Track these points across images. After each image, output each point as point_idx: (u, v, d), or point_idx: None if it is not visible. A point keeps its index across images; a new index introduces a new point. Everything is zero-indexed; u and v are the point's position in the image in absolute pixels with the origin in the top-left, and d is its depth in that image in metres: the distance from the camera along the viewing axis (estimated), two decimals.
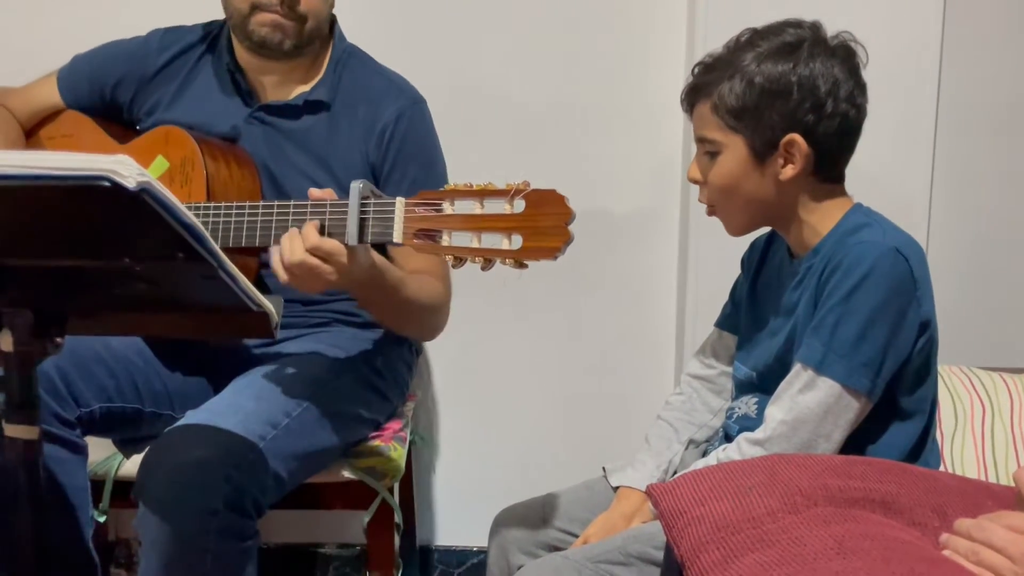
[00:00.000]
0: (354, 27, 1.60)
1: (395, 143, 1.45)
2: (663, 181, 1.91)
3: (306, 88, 1.49)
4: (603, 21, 1.88)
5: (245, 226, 1.28)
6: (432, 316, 1.47)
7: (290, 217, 1.23)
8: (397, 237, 1.15)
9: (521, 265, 1.11)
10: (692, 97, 1.25)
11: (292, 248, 1.17)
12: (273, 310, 1.00)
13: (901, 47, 1.74)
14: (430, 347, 1.83)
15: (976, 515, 0.85)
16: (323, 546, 2.09)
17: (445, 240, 1.12)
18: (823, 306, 1.17)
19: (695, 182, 1.27)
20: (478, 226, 1.10)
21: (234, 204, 1.28)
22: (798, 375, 1.18)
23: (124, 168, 0.68)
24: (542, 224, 1.09)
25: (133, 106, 1.56)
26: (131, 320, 1.03)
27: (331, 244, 1.16)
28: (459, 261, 1.12)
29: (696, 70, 1.25)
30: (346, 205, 1.17)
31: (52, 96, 1.59)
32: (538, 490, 1.47)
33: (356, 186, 1.16)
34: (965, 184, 1.86)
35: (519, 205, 1.10)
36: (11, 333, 0.92)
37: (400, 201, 1.15)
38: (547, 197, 1.09)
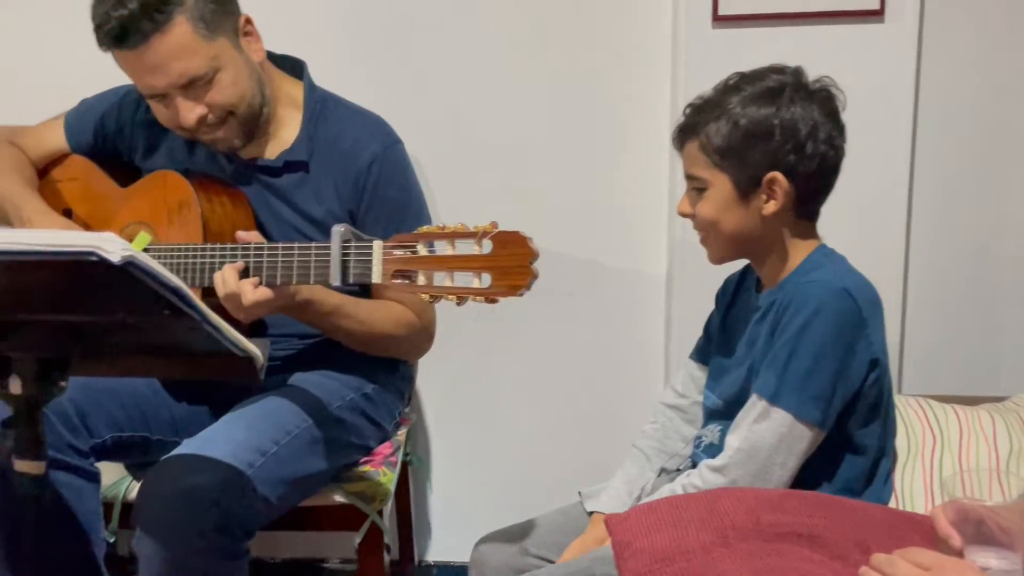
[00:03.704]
0: (329, 65, 1.65)
1: (369, 188, 1.53)
2: (650, 208, 1.97)
3: (284, 146, 1.56)
4: (589, 51, 1.94)
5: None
6: (398, 339, 1.57)
7: (279, 259, 1.32)
8: (376, 278, 1.23)
9: (491, 300, 1.19)
10: (682, 136, 1.33)
11: (224, 283, 1.32)
12: (259, 354, 1.10)
13: (876, 84, 1.81)
14: (425, 371, 1.92)
15: (897, 548, 0.92)
16: (326, 561, 2.18)
17: (421, 279, 1.20)
18: (777, 340, 1.25)
19: (685, 215, 1.35)
20: (450, 266, 1.18)
21: (227, 246, 1.37)
22: (754, 405, 1.25)
23: (109, 244, 0.78)
24: (508, 264, 1.16)
25: (132, 151, 1.65)
26: (128, 364, 1.13)
27: (236, 285, 1.31)
28: (434, 298, 1.21)
29: (687, 111, 1.33)
30: (329, 249, 1.26)
31: (60, 141, 1.68)
32: (531, 507, 1.55)
33: (337, 230, 1.25)
34: (942, 213, 1.91)
35: (487, 246, 1.17)
36: (19, 378, 1.02)
37: (378, 244, 1.23)
38: (512, 239, 1.17)
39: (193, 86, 1.44)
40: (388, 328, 1.53)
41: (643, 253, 2.01)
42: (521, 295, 1.17)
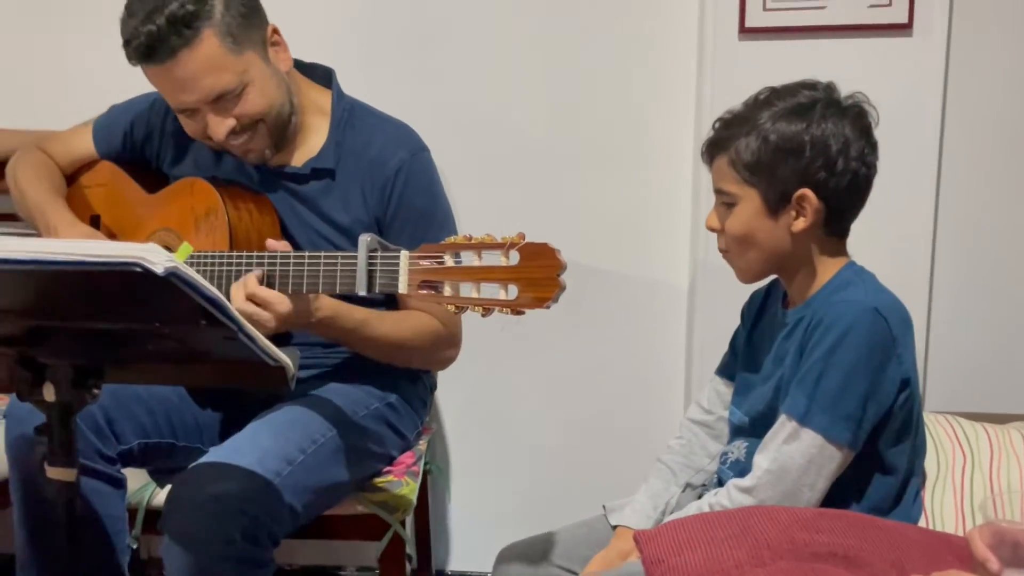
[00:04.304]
0: (350, 72, 1.65)
1: (395, 197, 1.53)
2: (674, 220, 1.97)
3: (311, 154, 1.56)
4: (615, 61, 1.94)
5: (265, 277, 1.37)
6: (423, 350, 1.56)
7: (305, 268, 1.32)
8: (402, 288, 1.23)
9: (517, 312, 1.19)
10: (712, 150, 1.32)
11: (235, 295, 1.30)
12: (290, 363, 1.10)
13: (904, 97, 1.80)
14: (446, 382, 1.91)
15: (933, 569, 0.92)
16: (343, 569, 2.18)
17: (447, 290, 1.20)
18: (807, 359, 1.24)
19: (713, 230, 1.34)
20: (476, 277, 1.18)
21: (254, 254, 1.38)
22: (783, 425, 1.24)
23: (154, 256, 0.78)
24: (535, 276, 1.16)
25: (160, 158, 1.65)
26: (161, 371, 1.13)
27: (266, 293, 1.29)
28: (460, 309, 1.20)
29: (716, 125, 1.32)
30: (355, 258, 1.26)
31: (89, 147, 1.69)
32: (548, 518, 1.54)
33: (364, 239, 1.25)
34: (968, 228, 1.90)
35: (514, 257, 1.17)
36: (53, 385, 1.02)
37: (404, 254, 1.23)
38: (540, 250, 1.16)
39: (222, 100, 1.44)
40: (414, 339, 1.53)
41: (666, 265, 2.00)
42: (548, 307, 1.17)
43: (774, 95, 1.29)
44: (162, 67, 1.40)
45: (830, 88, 1.29)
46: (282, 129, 1.52)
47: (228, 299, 1.32)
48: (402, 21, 1.97)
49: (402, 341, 1.52)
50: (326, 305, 1.39)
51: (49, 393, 1.03)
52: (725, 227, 1.31)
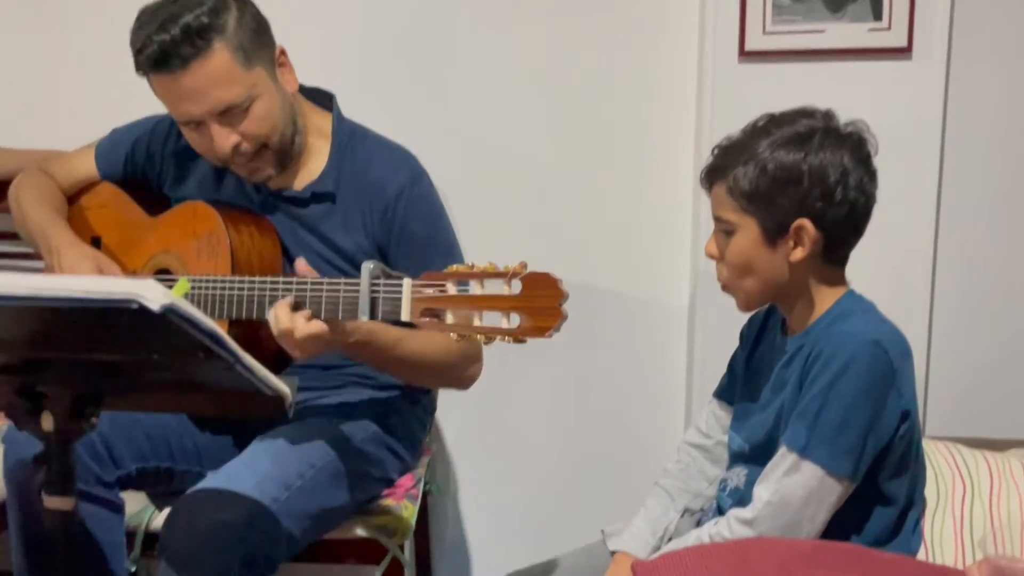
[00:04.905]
0: (358, 96, 1.66)
1: (396, 222, 1.53)
2: (674, 240, 1.98)
3: (311, 177, 1.56)
4: (615, 83, 1.95)
5: (267, 299, 1.37)
6: (450, 368, 1.53)
7: (307, 293, 1.32)
8: (405, 316, 1.23)
9: (519, 341, 1.19)
10: (710, 178, 1.32)
11: (280, 316, 1.28)
12: (288, 392, 1.10)
13: (903, 121, 1.80)
14: (446, 402, 1.91)
15: None
16: None
17: (449, 318, 1.20)
18: (807, 391, 1.23)
19: (712, 257, 1.34)
20: (479, 306, 1.18)
21: (256, 279, 1.38)
22: (784, 457, 1.24)
23: (150, 292, 0.78)
24: (537, 305, 1.16)
25: (161, 180, 1.66)
26: (159, 400, 1.13)
27: (304, 319, 1.27)
28: (462, 337, 1.20)
29: (715, 152, 1.32)
30: (358, 284, 1.26)
31: (91, 169, 1.69)
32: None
33: (367, 267, 1.25)
34: (969, 252, 1.90)
35: (516, 286, 1.17)
36: (51, 415, 1.02)
37: (407, 282, 1.23)
38: (542, 280, 1.16)
39: (229, 114, 1.44)
40: (445, 356, 1.50)
41: (666, 285, 2.01)
42: (550, 336, 1.17)
43: (772, 123, 1.29)
44: (172, 76, 1.41)
45: (829, 116, 1.28)
46: (286, 151, 1.52)
47: (252, 320, 1.34)
48: (402, 45, 1.98)
49: (433, 359, 1.49)
50: (363, 327, 1.36)
51: (47, 423, 1.02)
52: (724, 255, 1.31)
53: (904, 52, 1.80)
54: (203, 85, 1.41)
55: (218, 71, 1.41)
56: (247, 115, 1.45)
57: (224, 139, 1.45)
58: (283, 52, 1.52)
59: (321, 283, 1.31)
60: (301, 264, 1.35)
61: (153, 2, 1.43)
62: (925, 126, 1.82)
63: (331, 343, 1.31)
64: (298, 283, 1.34)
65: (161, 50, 1.39)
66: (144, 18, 1.42)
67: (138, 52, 1.41)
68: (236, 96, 1.43)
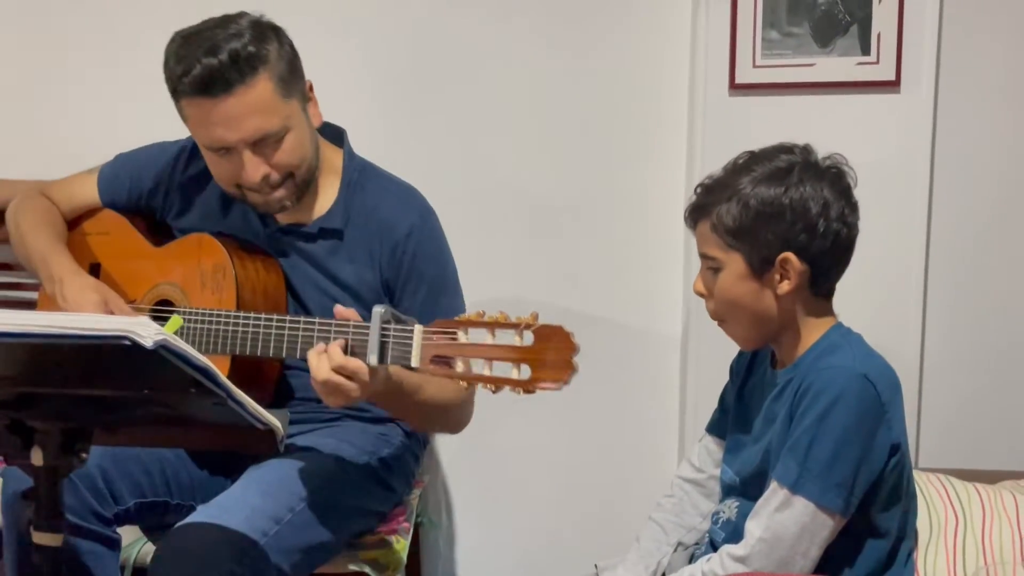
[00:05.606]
0: (366, 133, 1.67)
1: (407, 261, 1.53)
2: (665, 273, 1.99)
3: (320, 212, 1.56)
4: (607, 116, 1.97)
5: (273, 338, 1.37)
6: (457, 411, 1.54)
7: (315, 334, 1.31)
8: (415, 362, 1.22)
9: (529, 392, 1.17)
10: (694, 216, 1.33)
11: (319, 366, 1.26)
12: (280, 426, 1.10)
13: (892, 154, 1.82)
14: (439, 435, 1.91)
15: None
16: None
17: (459, 366, 1.19)
18: (797, 426, 1.24)
19: (700, 295, 1.35)
20: (489, 355, 1.17)
21: (262, 316, 1.37)
22: (775, 493, 1.24)
23: (143, 329, 0.78)
24: (549, 358, 1.14)
25: (165, 209, 1.64)
26: (150, 435, 1.13)
27: (355, 364, 1.25)
28: (471, 385, 1.19)
29: (697, 190, 1.34)
30: (367, 328, 1.25)
31: (93, 195, 1.67)
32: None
33: (378, 311, 1.24)
34: (958, 284, 1.90)
35: (528, 338, 1.15)
36: (41, 449, 1.02)
37: (418, 329, 1.22)
38: (554, 333, 1.15)
39: (263, 143, 1.44)
40: (455, 399, 1.50)
41: (659, 316, 2.01)
42: (560, 389, 1.15)
43: (752, 160, 1.30)
44: (213, 101, 1.40)
45: (807, 151, 1.30)
46: (307, 184, 1.52)
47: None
48: (402, 82, 2.00)
49: (446, 403, 1.49)
50: (394, 371, 1.34)
51: (37, 458, 1.02)
52: (712, 292, 1.32)
53: (892, 85, 1.83)
54: (243, 112, 1.41)
55: (260, 100, 1.41)
56: (279, 146, 1.45)
57: (255, 168, 1.45)
58: (311, 87, 1.53)
59: (329, 323, 1.30)
60: (340, 308, 1.32)
61: (189, 27, 1.44)
62: (913, 158, 1.84)
63: (370, 389, 1.28)
64: (305, 322, 1.33)
65: (208, 73, 1.38)
66: (189, 41, 1.42)
67: (183, 74, 1.40)
68: (273, 126, 1.43)
